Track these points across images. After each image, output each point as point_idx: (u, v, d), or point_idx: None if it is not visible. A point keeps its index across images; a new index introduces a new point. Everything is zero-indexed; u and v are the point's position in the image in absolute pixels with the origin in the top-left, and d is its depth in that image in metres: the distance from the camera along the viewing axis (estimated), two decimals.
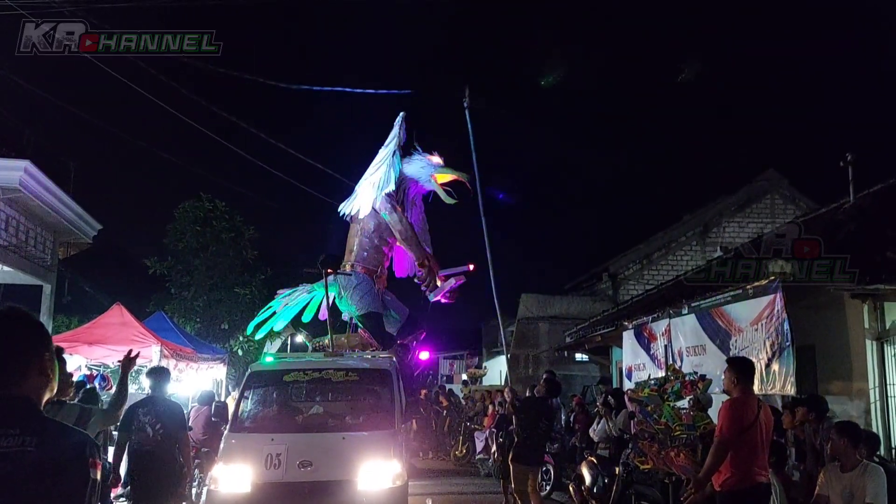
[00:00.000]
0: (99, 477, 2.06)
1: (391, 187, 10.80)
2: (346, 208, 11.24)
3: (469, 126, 13.27)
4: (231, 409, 10.00)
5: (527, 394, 14.55)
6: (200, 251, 24.04)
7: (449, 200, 11.20)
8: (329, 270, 9.98)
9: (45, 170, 13.87)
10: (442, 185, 11.24)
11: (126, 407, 6.00)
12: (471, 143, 13.32)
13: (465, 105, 13.16)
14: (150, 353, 13.25)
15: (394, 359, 9.56)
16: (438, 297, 11.10)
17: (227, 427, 8.38)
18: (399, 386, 8.85)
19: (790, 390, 8.51)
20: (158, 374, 8.12)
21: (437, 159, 11.21)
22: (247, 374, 9.44)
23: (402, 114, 10.90)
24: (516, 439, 9.87)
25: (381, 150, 11.08)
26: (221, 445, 8.08)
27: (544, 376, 10.80)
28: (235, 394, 12.50)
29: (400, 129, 10.99)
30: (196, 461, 10.19)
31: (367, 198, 10.99)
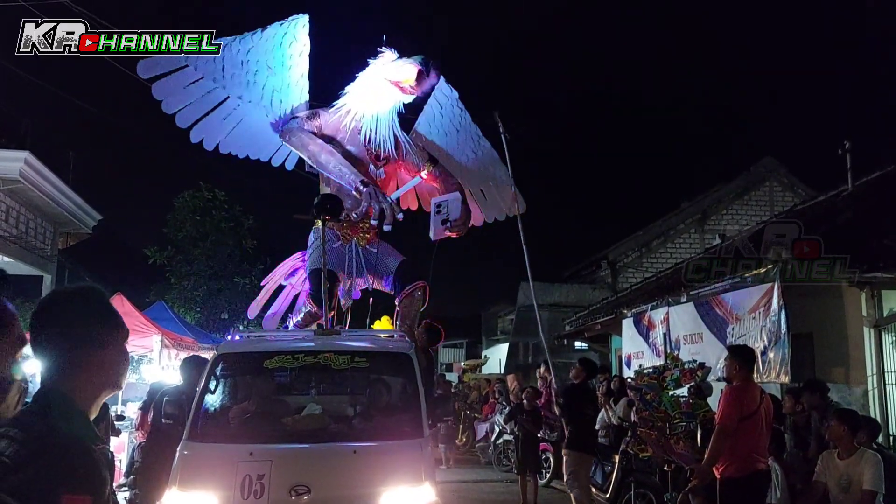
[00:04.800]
0: None
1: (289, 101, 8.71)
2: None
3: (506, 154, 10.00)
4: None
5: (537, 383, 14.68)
6: (200, 241, 24.10)
7: (406, 99, 8.72)
8: (327, 217, 7.61)
9: (45, 160, 13.90)
10: (405, 87, 8.56)
11: None
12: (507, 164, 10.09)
13: (502, 132, 9.86)
14: (151, 343, 13.30)
15: (407, 338, 7.19)
16: (442, 234, 8.61)
17: (184, 433, 5.82)
18: (421, 376, 6.43)
19: (784, 379, 8.62)
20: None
21: (387, 55, 8.56)
22: (212, 356, 6.65)
23: (303, 16, 8.66)
24: (567, 430, 9.41)
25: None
26: (175, 460, 5.57)
27: (539, 365, 10.81)
28: None
29: (290, 27, 8.53)
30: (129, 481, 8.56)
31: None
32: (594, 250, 26.25)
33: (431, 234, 8.58)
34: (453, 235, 8.69)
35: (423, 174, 8.93)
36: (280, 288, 9.67)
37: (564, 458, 9.23)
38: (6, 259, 14.30)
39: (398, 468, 5.57)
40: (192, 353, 9.87)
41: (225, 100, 8.70)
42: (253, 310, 9.97)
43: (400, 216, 8.37)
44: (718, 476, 5.84)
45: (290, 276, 9.57)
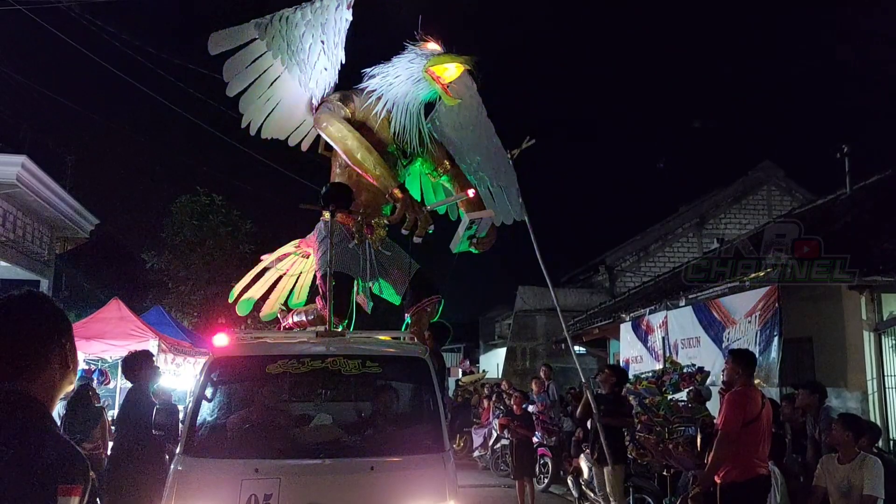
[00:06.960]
0: None
1: (324, 79, 7.84)
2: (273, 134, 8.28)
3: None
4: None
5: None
6: (198, 245, 24.10)
7: (450, 101, 7.87)
8: (334, 208, 6.86)
9: (42, 165, 13.85)
10: (444, 83, 7.60)
11: None
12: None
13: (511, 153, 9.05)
14: (148, 348, 13.26)
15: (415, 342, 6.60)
16: (465, 249, 7.82)
17: (179, 447, 5.27)
18: (439, 384, 5.93)
19: (774, 382, 8.64)
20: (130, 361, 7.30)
21: (432, 46, 7.65)
22: (207, 360, 5.98)
23: None
24: (604, 440, 8.52)
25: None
26: (169, 478, 5.02)
27: (544, 368, 10.72)
28: None
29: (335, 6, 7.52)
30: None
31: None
32: (592, 255, 26.24)
33: (453, 246, 7.75)
34: (474, 251, 7.91)
35: (470, 192, 8.00)
36: (264, 273, 9.03)
37: (608, 476, 8.60)
38: (3, 263, 14.26)
39: (420, 486, 5.10)
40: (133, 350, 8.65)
41: (276, 79, 7.79)
42: (234, 294, 9.22)
43: (431, 228, 7.50)
44: (719, 481, 5.82)
45: (277, 262, 8.93)
